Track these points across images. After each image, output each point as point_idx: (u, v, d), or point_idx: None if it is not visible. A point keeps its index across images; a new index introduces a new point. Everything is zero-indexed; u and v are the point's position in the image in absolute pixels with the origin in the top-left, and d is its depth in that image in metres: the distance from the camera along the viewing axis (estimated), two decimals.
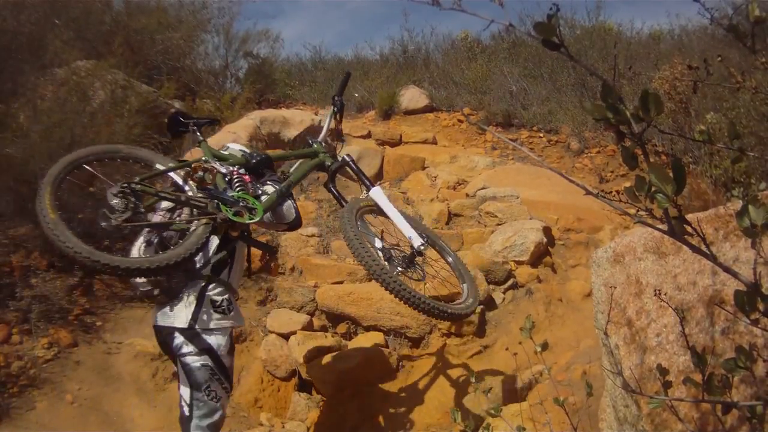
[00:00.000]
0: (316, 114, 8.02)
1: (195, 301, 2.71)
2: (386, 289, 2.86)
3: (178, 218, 2.79)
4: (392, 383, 4.10)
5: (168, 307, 2.73)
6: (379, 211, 3.41)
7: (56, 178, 2.65)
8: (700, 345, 1.69)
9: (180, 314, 2.69)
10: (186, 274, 2.73)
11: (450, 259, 3.58)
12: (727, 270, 1.10)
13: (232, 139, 5.97)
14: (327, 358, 4.12)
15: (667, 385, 1.32)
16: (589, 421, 2.62)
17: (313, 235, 5.30)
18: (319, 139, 3.65)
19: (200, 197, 2.76)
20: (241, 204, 2.79)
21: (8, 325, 3.98)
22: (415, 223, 3.50)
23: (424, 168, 7.86)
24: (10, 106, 4.93)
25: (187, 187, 2.89)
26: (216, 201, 2.73)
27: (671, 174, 0.98)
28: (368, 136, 9.26)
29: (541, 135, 8.89)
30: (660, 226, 1.10)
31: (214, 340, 2.72)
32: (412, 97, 10.65)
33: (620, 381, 1.58)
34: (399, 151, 8.62)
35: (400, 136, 9.48)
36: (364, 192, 3.50)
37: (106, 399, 3.79)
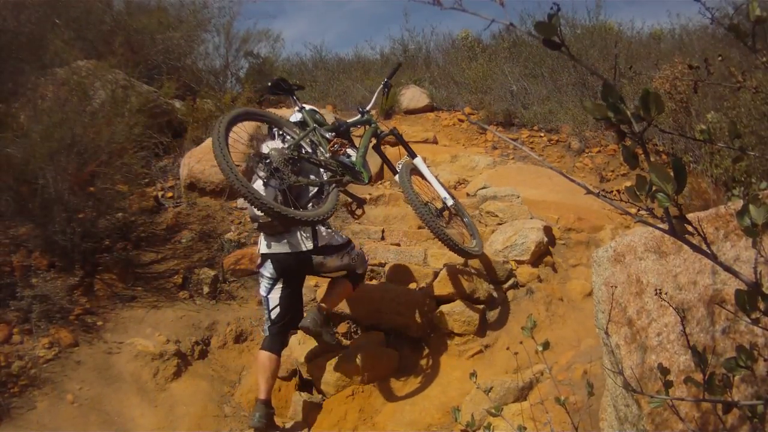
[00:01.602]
0: None
1: (311, 233, 3.61)
2: (428, 227, 3.89)
3: (311, 177, 3.60)
4: (392, 383, 4.09)
5: (290, 237, 3.57)
6: (419, 174, 4.39)
7: (225, 135, 3.24)
8: (701, 344, 1.69)
9: (305, 241, 3.58)
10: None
11: (466, 220, 4.60)
12: (727, 269, 1.10)
13: (233, 139, 5.97)
14: (327, 358, 4.12)
15: (668, 385, 1.32)
16: (590, 421, 2.62)
17: None
18: (368, 109, 4.41)
19: (333, 164, 3.61)
20: (356, 169, 3.75)
21: (9, 325, 3.99)
22: (446, 187, 4.51)
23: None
24: (10, 105, 4.94)
25: (318, 153, 3.68)
26: (342, 168, 3.62)
27: (672, 173, 0.98)
28: None
29: (542, 134, 8.89)
30: (661, 226, 1.10)
31: (336, 237, 3.81)
32: (412, 96, 10.65)
33: (621, 380, 1.58)
34: (399, 151, 8.60)
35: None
36: (407, 158, 4.44)
37: (106, 399, 3.80)
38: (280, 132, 3.70)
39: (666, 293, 1.78)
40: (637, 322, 1.90)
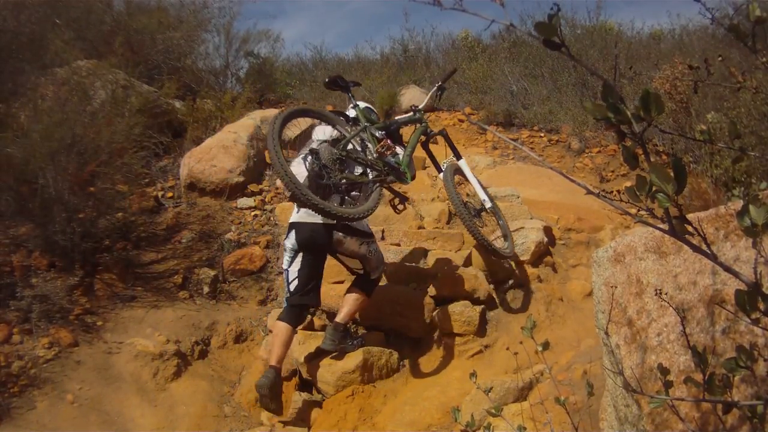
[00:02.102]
0: None
1: (341, 201, 3.71)
2: (464, 225, 4.18)
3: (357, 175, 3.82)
4: (392, 383, 4.09)
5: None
6: (462, 174, 4.61)
7: (279, 131, 3.28)
8: (701, 345, 1.69)
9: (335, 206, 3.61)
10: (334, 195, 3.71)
11: (501, 222, 4.74)
12: (727, 269, 1.10)
13: (233, 139, 5.98)
14: (328, 358, 4.12)
15: (668, 385, 1.32)
16: (590, 421, 2.62)
17: None
18: (421, 107, 4.54)
19: (379, 164, 3.75)
20: (400, 170, 3.92)
21: (9, 325, 3.99)
22: (486, 189, 4.69)
23: (424, 167, 7.85)
24: (10, 105, 4.94)
25: (367, 152, 3.80)
26: (387, 168, 3.78)
27: (672, 173, 0.98)
28: None
29: (542, 135, 8.89)
30: (661, 226, 1.10)
31: (362, 226, 3.95)
32: (412, 96, 10.64)
33: (621, 380, 1.58)
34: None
35: (401, 136, 9.46)
36: (453, 158, 4.62)
37: (106, 399, 3.80)
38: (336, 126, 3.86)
39: (666, 293, 1.78)
40: (637, 322, 1.90)
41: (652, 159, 1.03)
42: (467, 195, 4.75)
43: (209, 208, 5.61)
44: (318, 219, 3.67)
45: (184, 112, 6.98)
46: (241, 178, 5.81)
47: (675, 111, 6.47)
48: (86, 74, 5.67)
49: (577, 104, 8.53)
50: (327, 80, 3.96)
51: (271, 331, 4.49)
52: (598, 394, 2.24)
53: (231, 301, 4.85)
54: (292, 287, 3.84)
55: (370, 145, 3.78)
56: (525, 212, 5.65)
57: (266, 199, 5.87)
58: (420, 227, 5.72)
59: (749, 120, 4.97)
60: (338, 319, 3.99)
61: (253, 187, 5.92)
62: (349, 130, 3.78)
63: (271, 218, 5.64)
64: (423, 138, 4.55)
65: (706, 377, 1.19)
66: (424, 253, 5.11)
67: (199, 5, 9.25)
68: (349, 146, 3.60)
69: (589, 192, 1.16)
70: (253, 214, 5.65)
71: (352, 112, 4.03)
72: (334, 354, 4.06)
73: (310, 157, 3.51)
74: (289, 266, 3.87)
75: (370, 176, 3.80)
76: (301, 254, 3.84)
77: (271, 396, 3.68)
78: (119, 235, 5.00)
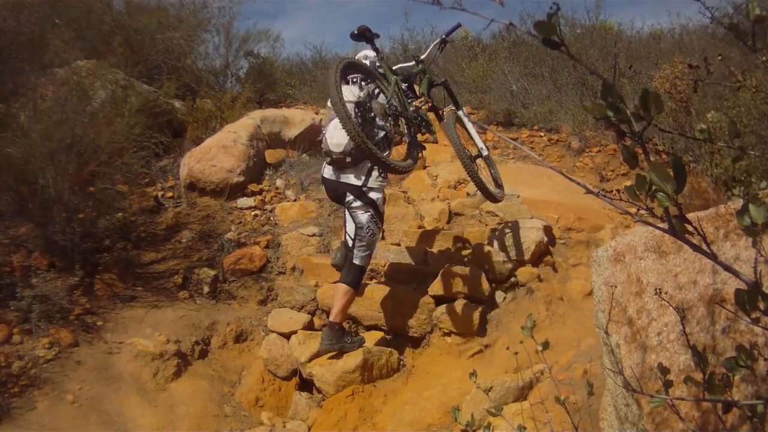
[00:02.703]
0: (316, 113, 8.00)
1: (367, 171, 3.99)
2: (463, 167, 4.36)
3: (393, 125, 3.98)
4: (393, 383, 4.09)
5: (352, 173, 4.00)
6: (462, 124, 4.84)
7: (339, 82, 3.41)
8: (701, 344, 1.69)
9: (359, 177, 3.99)
10: (362, 161, 3.94)
11: (493, 171, 4.97)
12: (727, 269, 1.10)
13: (233, 139, 5.98)
14: (327, 358, 4.12)
15: (668, 384, 1.31)
16: (590, 420, 2.62)
17: (314, 235, 5.30)
18: (423, 58, 4.64)
19: (417, 118, 4.13)
20: (429, 122, 4.28)
21: (9, 325, 3.98)
22: (482, 140, 4.97)
23: (424, 167, 7.85)
24: (10, 105, 4.93)
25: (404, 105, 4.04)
26: (423, 121, 4.19)
27: (672, 173, 0.98)
28: None
29: (542, 134, 8.88)
30: (661, 225, 1.10)
31: (376, 195, 4.04)
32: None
33: (621, 380, 1.58)
34: (400, 151, 8.60)
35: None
36: (452, 107, 4.83)
37: (106, 399, 3.80)
38: (367, 82, 4.04)
39: (666, 293, 1.78)
40: (637, 321, 1.90)
41: (651, 158, 1.03)
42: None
43: (209, 208, 5.61)
44: (345, 179, 4.02)
45: (184, 111, 6.97)
46: (241, 178, 5.81)
47: (675, 110, 6.47)
48: (86, 74, 5.66)
49: (577, 104, 8.52)
50: (356, 31, 4.07)
51: (271, 332, 4.51)
52: (598, 393, 2.24)
53: (231, 300, 4.85)
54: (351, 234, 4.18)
55: (398, 98, 4.01)
56: (525, 211, 5.65)
57: (266, 199, 5.86)
58: (420, 227, 5.71)
59: (749, 119, 4.96)
60: (331, 318, 4.04)
61: (253, 187, 5.92)
62: (386, 86, 4.02)
63: (271, 218, 5.64)
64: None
65: (706, 376, 1.19)
66: (424, 253, 5.11)
67: (199, 5, 9.25)
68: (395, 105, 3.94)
69: (589, 191, 1.16)
70: (253, 213, 5.65)
71: (368, 59, 4.24)
72: (333, 354, 4.06)
73: (356, 110, 3.72)
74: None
75: (406, 129, 4.11)
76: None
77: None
78: (119, 235, 5.00)
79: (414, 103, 4.15)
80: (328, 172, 4.12)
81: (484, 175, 4.72)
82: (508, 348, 3.59)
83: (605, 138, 8.01)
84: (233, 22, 9.72)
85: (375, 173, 4.01)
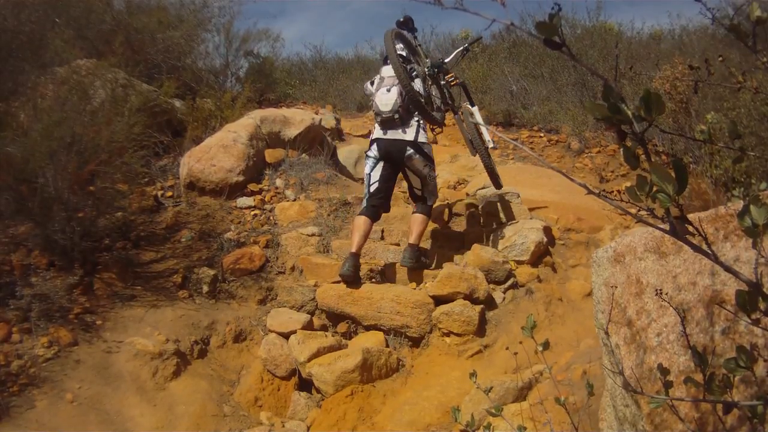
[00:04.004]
0: (316, 113, 8.01)
1: (415, 128, 4.68)
2: (478, 153, 5.11)
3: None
4: (392, 383, 4.10)
5: (401, 130, 4.66)
6: (473, 118, 5.31)
7: (393, 38, 4.52)
8: (701, 345, 1.69)
9: (407, 132, 4.66)
10: (411, 114, 4.68)
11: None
12: (728, 269, 1.10)
13: (232, 139, 5.98)
14: (327, 358, 4.12)
15: (667, 385, 1.32)
16: (590, 421, 2.62)
17: (313, 235, 5.30)
18: (447, 61, 5.22)
19: (447, 92, 5.12)
20: (452, 95, 5.20)
21: (8, 324, 3.98)
22: (490, 134, 5.35)
23: None
24: (10, 105, 4.93)
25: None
26: (449, 91, 5.12)
27: (673, 174, 0.98)
28: (369, 135, 9.24)
29: (542, 135, 8.89)
30: (661, 226, 1.10)
31: (428, 149, 4.76)
32: None
33: (621, 380, 1.58)
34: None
35: None
36: (467, 104, 5.44)
37: (106, 398, 3.79)
38: (404, 57, 4.79)
39: (666, 294, 1.78)
40: (636, 322, 1.90)
41: (652, 159, 1.03)
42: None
43: (209, 208, 5.61)
44: (397, 136, 4.66)
45: (184, 111, 6.97)
46: (241, 178, 5.80)
47: (675, 111, 6.47)
48: (86, 73, 5.66)
49: (577, 104, 8.53)
50: (401, 20, 4.89)
51: (270, 331, 4.51)
52: (597, 394, 2.24)
53: (230, 300, 4.85)
54: (372, 189, 4.75)
55: (431, 72, 4.84)
56: (525, 212, 5.66)
57: (266, 199, 5.86)
58: None
59: (749, 120, 4.97)
60: (411, 240, 4.69)
61: (252, 187, 5.92)
62: (421, 61, 4.88)
63: (271, 218, 5.64)
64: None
65: (706, 377, 1.19)
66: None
67: (199, 4, 9.26)
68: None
69: (589, 192, 1.16)
70: (252, 213, 5.65)
71: (399, 47, 4.84)
72: (336, 354, 4.06)
73: (395, 88, 4.59)
74: (371, 171, 4.76)
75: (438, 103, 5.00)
76: (381, 163, 4.74)
77: (354, 278, 4.53)
78: (119, 235, 5.00)
79: (446, 77, 5.08)
80: (378, 132, 4.76)
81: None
82: (507, 348, 3.60)
83: (605, 139, 8.02)
84: (233, 21, 9.76)
85: (422, 131, 4.69)
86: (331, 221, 5.53)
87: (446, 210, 5.87)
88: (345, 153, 7.72)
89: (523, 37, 10.84)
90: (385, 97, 4.61)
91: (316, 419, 3.88)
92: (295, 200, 5.85)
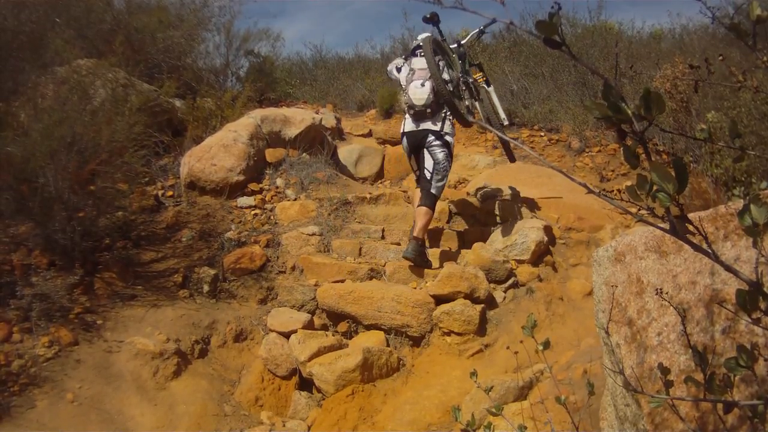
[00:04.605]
0: (316, 113, 8.00)
1: (442, 120, 4.99)
2: (495, 129, 4.85)
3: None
4: (392, 382, 4.10)
5: (431, 122, 4.97)
6: (489, 97, 5.65)
7: (432, 50, 4.82)
8: (701, 344, 1.69)
9: (437, 124, 4.97)
10: (440, 107, 4.96)
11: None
12: (728, 269, 1.09)
13: (233, 138, 5.98)
14: (328, 357, 4.12)
15: (668, 384, 1.31)
16: (590, 420, 2.62)
17: (313, 234, 5.30)
18: (463, 43, 5.50)
19: (474, 85, 5.46)
20: (478, 89, 5.50)
21: (9, 324, 3.99)
22: (505, 112, 5.88)
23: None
24: (10, 104, 4.93)
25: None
26: (475, 88, 5.45)
27: (673, 173, 0.98)
28: (369, 134, 9.24)
29: (542, 134, 8.87)
30: (661, 225, 1.10)
31: (450, 139, 5.05)
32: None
33: (621, 380, 1.58)
34: (400, 150, 8.58)
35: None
36: (484, 85, 5.68)
37: (106, 398, 3.80)
38: (438, 58, 4.97)
39: (666, 293, 1.78)
40: (637, 321, 1.90)
41: (652, 158, 1.03)
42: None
43: (209, 207, 5.61)
44: (425, 127, 4.99)
45: (185, 110, 6.96)
46: (242, 177, 5.80)
47: (675, 110, 6.46)
48: (86, 73, 5.65)
49: (578, 103, 8.52)
50: (428, 15, 5.04)
51: (271, 331, 4.51)
52: (598, 393, 2.24)
53: (231, 300, 4.85)
54: (417, 177, 5.14)
55: (462, 70, 5.25)
56: (525, 211, 5.65)
57: (266, 198, 5.86)
58: None
59: (749, 119, 4.97)
60: (415, 233, 4.80)
61: (253, 186, 5.91)
62: (454, 58, 5.17)
63: (271, 217, 5.64)
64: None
65: (707, 377, 1.19)
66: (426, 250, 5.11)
67: (200, 4, 9.24)
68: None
69: (590, 191, 1.16)
70: (253, 213, 5.65)
71: (422, 39, 5.04)
72: (334, 350, 4.05)
73: (429, 83, 4.88)
74: (410, 162, 5.23)
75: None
76: (412, 156, 5.14)
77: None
78: (119, 234, 5.00)
79: (474, 76, 5.47)
80: (408, 125, 5.08)
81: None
82: (508, 347, 3.60)
83: (605, 138, 8.01)
84: (234, 21, 9.73)
85: (448, 122, 5.01)
86: (332, 221, 5.53)
87: (446, 210, 5.87)
88: (345, 152, 7.72)
89: (524, 37, 10.82)
90: (419, 91, 4.88)
91: (317, 419, 3.88)
92: (295, 200, 5.85)
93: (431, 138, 4.95)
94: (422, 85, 4.89)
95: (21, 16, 5.86)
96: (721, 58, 1.93)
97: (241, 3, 12.08)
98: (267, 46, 10.63)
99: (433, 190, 4.92)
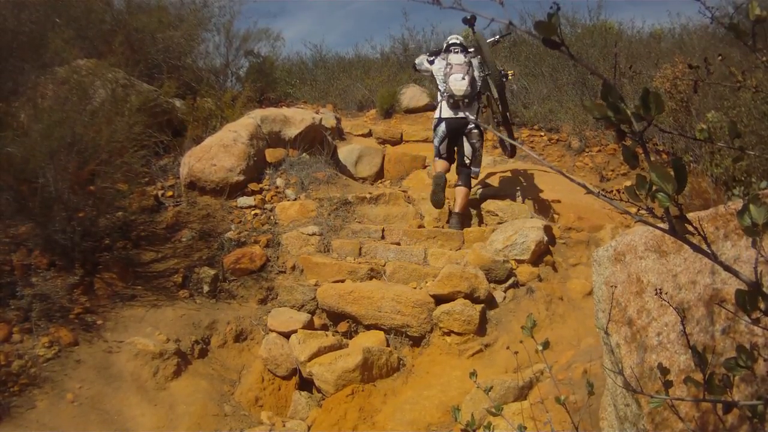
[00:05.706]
0: (316, 112, 8.00)
1: (477, 110, 5.72)
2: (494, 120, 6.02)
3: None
4: (392, 382, 4.10)
5: (466, 109, 5.55)
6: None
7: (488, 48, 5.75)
8: (701, 344, 1.69)
9: (472, 114, 5.59)
10: (474, 99, 5.66)
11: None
12: (728, 269, 1.09)
13: (233, 138, 5.98)
14: (328, 357, 4.12)
15: (667, 384, 1.31)
16: (590, 420, 2.62)
17: (314, 234, 5.30)
18: (487, 41, 6.09)
19: (504, 75, 5.91)
20: (507, 77, 6.02)
21: (9, 324, 3.99)
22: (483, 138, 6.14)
23: (424, 167, 7.86)
24: (10, 104, 4.93)
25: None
26: (504, 76, 5.89)
27: (672, 173, 0.98)
28: (369, 134, 9.25)
29: (542, 134, 8.88)
30: (661, 225, 1.10)
31: (483, 128, 5.62)
32: (412, 95, 10.64)
33: (621, 380, 1.58)
34: (400, 150, 8.63)
35: (401, 135, 9.48)
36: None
37: (106, 398, 3.80)
38: (469, 57, 5.76)
39: (666, 293, 1.78)
40: (637, 321, 1.90)
41: (652, 158, 1.03)
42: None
43: (209, 207, 5.61)
44: (461, 115, 5.57)
45: (184, 110, 6.96)
46: (241, 177, 5.80)
47: (675, 110, 6.47)
48: (86, 73, 5.65)
49: (577, 103, 8.52)
50: (468, 17, 5.72)
51: (271, 331, 4.51)
52: (598, 393, 2.24)
53: (231, 300, 4.85)
54: (441, 150, 5.72)
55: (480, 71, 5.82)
56: (525, 211, 5.66)
57: (266, 198, 5.86)
58: (420, 226, 5.72)
59: (749, 119, 4.96)
60: (457, 209, 5.61)
61: (253, 186, 5.92)
62: (487, 62, 5.76)
63: (271, 217, 5.64)
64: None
65: (706, 377, 1.19)
66: (424, 252, 5.11)
67: (200, 4, 9.25)
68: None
69: (589, 191, 1.16)
70: (253, 213, 5.65)
71: (456, 40, 5.93)
72: (338, 353, 4.05)
73: (467, 77, 5.54)
74: (439, 144, 5.72)
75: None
76: (447, 138, 5.68)
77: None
78: (119, 234, 5.00)
79: (499, 66, 6.00)
80: (446, 112, 5.65)
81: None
82: (508, 347, 3.60)
83: (605, 138, 8.01)
84: (234, 21, 9.73)
85: (481, 111, 5.84)
86: (332, 220, 5.52)
87: (446, 209, 5.87)
88: (345, 152, 7.72)
89: (523, 36, 10.82)
90: (460, 83, 5.50)
91: (317, 419, 3.88)
92: (295, 200, 5.85)
93: (471, 127, 5.63)
94: (462, 78, 5.52)
95: (21, 16, 5.86)
96: (720, 58, 1.93)
97: (241, 3, 12.11)
98: (267, 46, 10.64)
99: (473, 175, 5.74)
